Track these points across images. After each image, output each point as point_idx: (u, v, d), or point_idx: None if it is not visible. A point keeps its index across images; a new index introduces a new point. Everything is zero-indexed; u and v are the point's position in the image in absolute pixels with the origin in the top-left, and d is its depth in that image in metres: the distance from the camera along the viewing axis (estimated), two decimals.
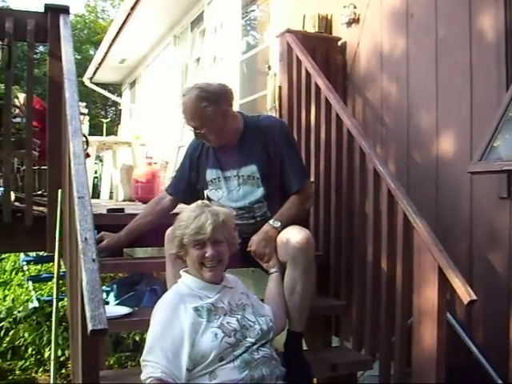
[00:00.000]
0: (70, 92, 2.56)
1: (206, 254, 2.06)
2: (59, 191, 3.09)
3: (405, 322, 2.61)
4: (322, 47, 3.86)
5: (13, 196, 3.39)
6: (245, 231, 2.63)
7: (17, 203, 3.49)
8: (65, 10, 3.26)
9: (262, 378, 1.96)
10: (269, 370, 2.01)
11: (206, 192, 2.81)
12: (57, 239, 3.02)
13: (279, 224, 2.58)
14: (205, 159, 2.78)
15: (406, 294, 2.59)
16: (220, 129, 2.63)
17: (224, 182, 2.72)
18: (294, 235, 2.49)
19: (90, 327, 1.57)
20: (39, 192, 4.63)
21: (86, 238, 1.82)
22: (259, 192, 2.67)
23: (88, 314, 1.60)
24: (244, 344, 1.98)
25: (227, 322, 1.99)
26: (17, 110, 4.24)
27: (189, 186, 2.86)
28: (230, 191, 2.71)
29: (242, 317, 2.06)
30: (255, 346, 2.00)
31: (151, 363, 1.85)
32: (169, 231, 2.32)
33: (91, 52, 21.68)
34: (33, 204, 3.34)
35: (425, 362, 2.41)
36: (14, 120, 3.61)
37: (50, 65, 3.29)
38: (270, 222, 2.59)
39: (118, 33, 8.85)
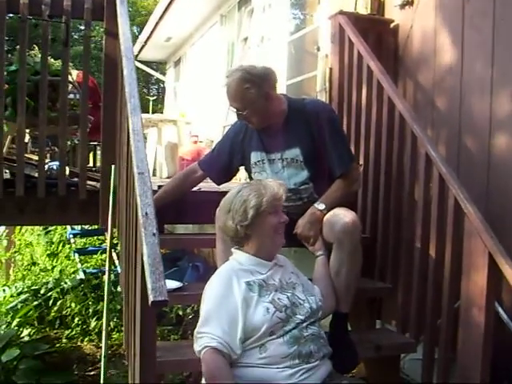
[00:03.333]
0: (128, 70, 2.61)
1: (282, 220, 2.16)
2: (112, 166, 3.17)
3: (451, 307, 2.61)
4: (374, 29, 3.82)
5: (67, 170, 3.50)
6: (293, 212, 2.67)
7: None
8: None
9: (309, 354, 2.00)
10: (316, 347, 2.05)
11: (252, 175, 2.84)
12: (110, 213, 3.11)
13: (324, 207, 2.60)
14: (249, 142, 2.82)
15: (453, 279, 2.58)
16: (262, 111, 2.66)
17: (268, 165, 2.75)
18: (341, 217, 2.50)
19: (151, 298, 1.63)
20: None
21: (146, 213, 1.88)
22: (304, 174, 2.70)
23: (149, 286, 1.66)
24: (294, 320, 2.02)
25: (278, 298, 2.03)
26: (70, 87, 4.33)
27: (224, 167, 2.92)
28: (275, 173, 2.73)
29: (293, 294, 2.10)
30: (305, 324, 2.04)
31: (207, 334, 1.90)
32: (223, 209, 2.33)
33: (134, 31, 21.79)
34: (87, 178, 3.43)
35: (471, 348, 2.41)
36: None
37: (106, 43, 3.36)
38: (315, 204, 2.62)
39: (165, 11, 8.88)
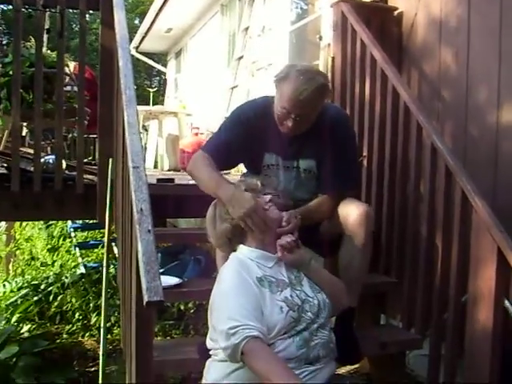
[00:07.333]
0: (123, 60, 2.53)
1: (266, 199, 2.14)
2: (110, 160, 3.10)
3: (458, 301, 2.55)
4: (377, 17, 3.74)
5: (64, 164, 3.43)
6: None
7: (66, 171, 3.53)
8: None
9: (316, 358, 1.92)
10: (325, 352, 1.97)
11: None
12: (107, 208, 3.04)
13: None
14: (266, 136, 2.49)
15: (460, 273, 2.52)
16: (312, 120, 2.42)
17: (283, 171, 2.55)
18: (354, 209, 2.42)
19: (146, 299, 1.57)
20: (85, 160, 4.66)
21: (141, 209, 1.81)
22: (316, 185, 2.55)
23: (144, 286, 1.59)
24: (305, 320, 1.93)
25: (291, 296, 1.95)
26: (67, 79, 4.25)
27: (232, 152, 2.50)
28: (288, 182, 2.55)
29: (301, 291, 2.02)
30: (315, 325, 1.95)
31: (242, 327, 1.75)
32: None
33: (136, 22, 21.67)
34: (84, 172, 3.36)
35: (479, 345, 2.34)
36: (64, 89, 3.61)
37: (102, 33, 3.28)
38: None
39: (165, 1, 8.81)
